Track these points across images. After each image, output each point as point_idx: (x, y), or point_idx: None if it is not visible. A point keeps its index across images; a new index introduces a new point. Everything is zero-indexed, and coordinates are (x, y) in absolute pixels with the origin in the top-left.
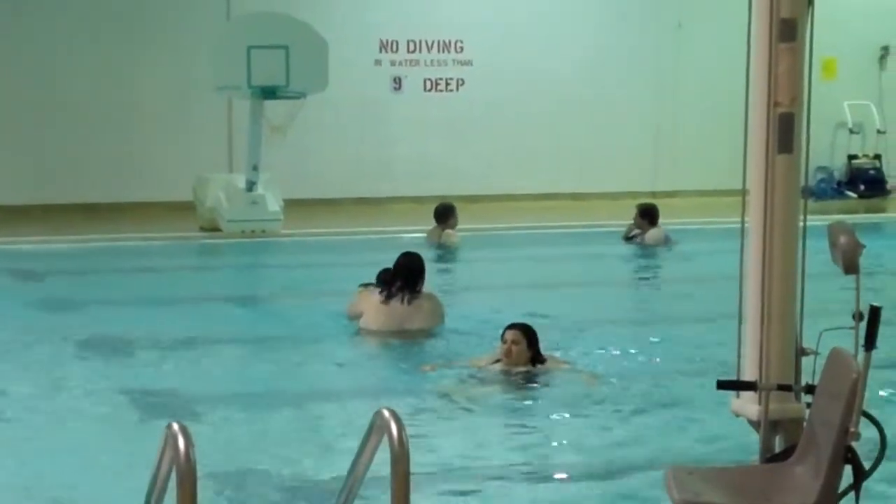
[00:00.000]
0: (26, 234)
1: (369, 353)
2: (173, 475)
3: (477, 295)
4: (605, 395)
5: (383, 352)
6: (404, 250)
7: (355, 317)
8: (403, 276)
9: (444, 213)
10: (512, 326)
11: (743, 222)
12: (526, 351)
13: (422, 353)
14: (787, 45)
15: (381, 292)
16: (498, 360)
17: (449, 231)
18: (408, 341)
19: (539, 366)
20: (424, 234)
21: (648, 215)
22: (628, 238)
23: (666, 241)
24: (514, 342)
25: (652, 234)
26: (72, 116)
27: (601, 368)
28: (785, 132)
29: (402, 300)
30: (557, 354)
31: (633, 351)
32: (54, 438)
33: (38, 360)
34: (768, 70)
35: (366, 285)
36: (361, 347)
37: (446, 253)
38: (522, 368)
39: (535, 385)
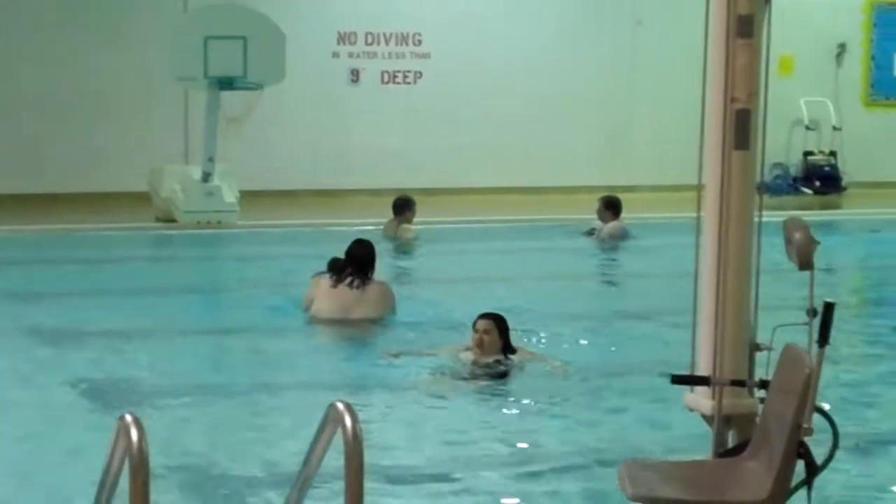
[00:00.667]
0: None
1: (324, 343)
2: (126, 467)
3: (431, 288)
4: (559, 389)
5: (338, 341)
6: (356, 237)
7: (309, 306)
8: (354, 263)
9: (401, 206)
10: (483, 316)
11: (699, 217)
12: (497, 340)
13: (375, 343)
14: (744, 42)
15: (331, 278)
16: (468, 349)
17: (405, 225)
18: (360, 330)
19: (510, 356)
20: (381, 227)
21: (612, 207)
22: (589, 232)
23: (623, 236)
24: (485, 332)
25: (609, 228)
26: (27, 106)
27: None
28: (741, 128)
29: (352, 286)
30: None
31: (587, 345)
32: (5, 429)
33: None
34: (725, 66)
35: (319, 274)
36: (315, 337)
37: (402, 246)
38: (491, 359)
39: (492, 377)
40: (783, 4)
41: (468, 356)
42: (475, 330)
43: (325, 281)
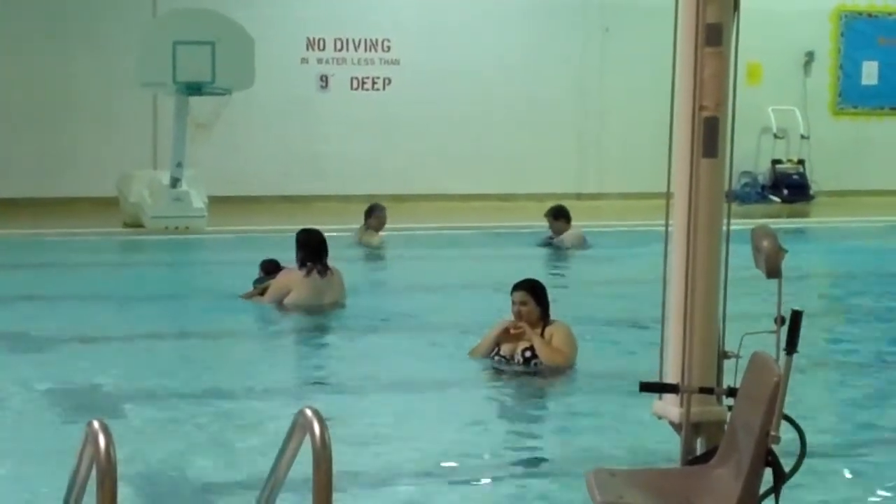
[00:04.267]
0: None
1: (291, 346)
2: (93, 474)
3: (395, 294)
4: (527, 396)
5: (306, 341)
6: (302, 228)
7: (281, 298)
8: (312, 251)
9: (368, 213)
10: (517, 287)
11: (667, 225)
12: (535, 309)
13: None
14: (712, 50)
15: (300, 269)
16: (507, 330)
17: (371, 231)
18: (328, 318)
19: (536, 360)
20: (349, 233)
21: (563, 215)
22: (548, 241)
23: (584, 243)
24: (522, 303)
25: (570, 236)
26: None
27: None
28: (710, 136)
29: (322, 274)
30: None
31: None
32: None
33: None
34: (694, 74)
35: (259, 280)
36: (284, 338)
37: (368, 252)
38: (519, 350)
39: (473, 380)
40: (751, 13)
41: (510, 348)
42: (513, 303)
43: (296, 272)
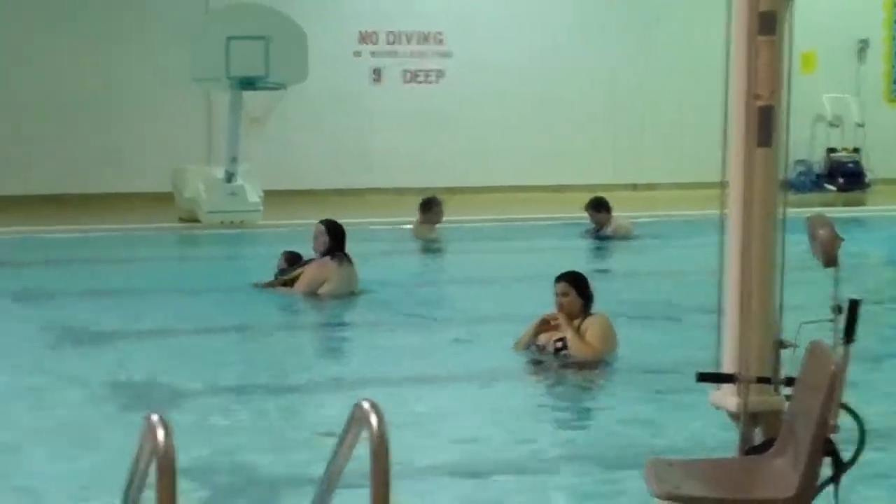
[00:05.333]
0: (4, 224)
1: (351, 338)
2: (152, 468)
3: (452, 287)
4: (579, 387)
5: (360, 332)
6: (322, 219)
7: (317, 287)
8: (339, 241)
9: (426, 207)
10: (559, 278)
11: (722, 215)
12: (577, 300)
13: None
14: (766, 38)
15: (332, 259)
16: (546, 324)
17: (430, 224)
18: (373, 309)
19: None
20: (401, 226)
21: (604, 207)
22: (594, 233)
23: (631, 233)
24: (563, 294)
25: (616, 226)
26: (53, 107)
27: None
28: (764, 125)
29: (350, 263)
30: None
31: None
32: (31, 430)
33: (14, 351)
34: (748, 63)
35: (283, 272)
36: (340, 331)
37: (422, 245)
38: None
39: (524, 374)
40: (805, 1)
41: (546, 337)
42: (555, 294)
43: (329, 262)
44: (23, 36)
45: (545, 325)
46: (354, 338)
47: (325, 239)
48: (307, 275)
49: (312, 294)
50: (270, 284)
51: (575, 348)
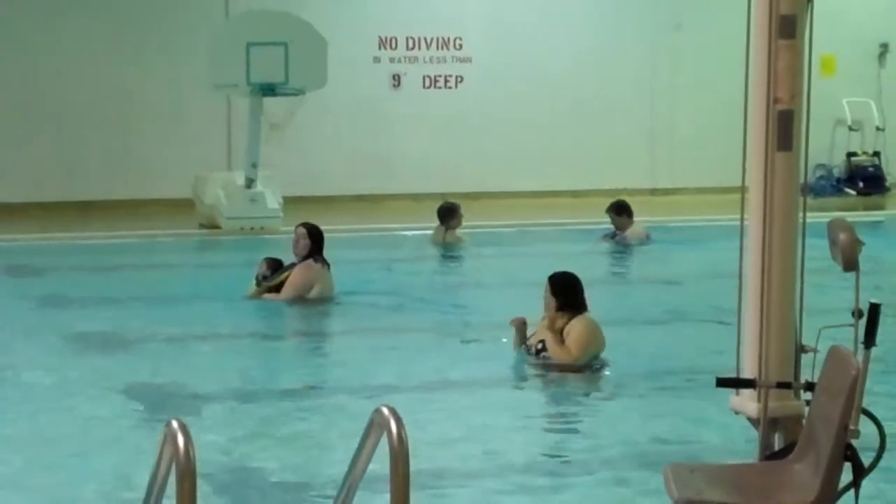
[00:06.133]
0: (25, 231)
1: (367, 343)
2: (173, 473)
3: (475, 292)
4: (605, 391)
5: (376, 337)
6: (301, 222)
7: (307, 291)
8: (321, 245)
9: (446, 214)
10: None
11: (742, 220)
12: (551, 299)
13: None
14: (786, 42)
15: (315, 262)
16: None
17: (451, 231)
18: (387, 314)
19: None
20: (421, 232)
21: (626, 211)
22: (610, 237)
23: (647, 238)
24: (545, 291)
25: (633, 232)
26: (72, 115)
27: (598, 366)
28: (784, 129)
29: (327, 266)
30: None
31: (630, 348)
32: (52, 435)
33: (36, 357)
34: (768, 67)
35: (266, 278)
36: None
37: (448, 252)
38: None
39: (541, 378)
40: (825, 4)
41: (534, 339)
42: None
43: (316, 266)
44: (44, 45)
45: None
46: (371, 343)
47: (306, 242)
48: (295, 279)
49: (300, 298)
50: (258, 293)
51: (553, 352)
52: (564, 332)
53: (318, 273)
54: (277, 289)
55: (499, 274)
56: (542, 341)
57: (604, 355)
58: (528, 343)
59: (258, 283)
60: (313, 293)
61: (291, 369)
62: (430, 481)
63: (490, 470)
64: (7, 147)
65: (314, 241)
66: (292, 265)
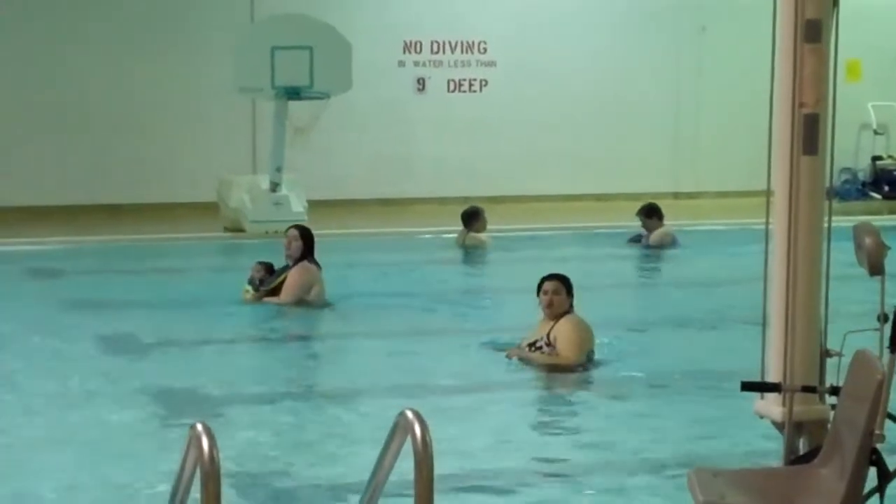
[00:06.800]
0: (51, 234)
1: (388, 346)
2: (197, 475)
3: (498, 296)
4: (628, 395)
5: (398, 341)
6: (292, 224)
7: (298, 297)
8: (312, 247)
9: (470, 217)
10: (549, 277)
11: (767, 224)
12: (566, 300)
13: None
14: (812, 46)
15: (310, 263)
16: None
17: (474, 234)
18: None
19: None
20: (445, 235)
21: (656, 213)
22: (637, 240)
23: (673, 242)
24: (554, 292)
25: (659, 235)
26: (97, 118)
27: (623, 370)
28: (810, 133)
29: (320, 269)
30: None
31: (654, 352)
32: (77, 437)
33: (61, 359)
34: (793, 71)
35: (262, 282)
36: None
37: (472, 255)
38: (570, 356)
39: (565, 381)
40: (850, 8)
41: (538, 357)
42: (544, 292)
43: (313, 268)
44: (69, 49)
45: None
46: (391, 346)
47: (298, 244)
48: (295, 281)
49: (300, 300)
50: (258, 297)
51: (549, 361)
52: (552, 333)
53: (315, 274)
54: (273, 292)
55: (521, 277)
56: (533, 343)
57: (632, 359)
58: (522, 346)
59: (255, 288)
60: (311, 295)
61: (313, 372)
62: (452, 484)
63: (513, 473)
64: (34, 151)
65: (306, 244)
66: (285, 268)
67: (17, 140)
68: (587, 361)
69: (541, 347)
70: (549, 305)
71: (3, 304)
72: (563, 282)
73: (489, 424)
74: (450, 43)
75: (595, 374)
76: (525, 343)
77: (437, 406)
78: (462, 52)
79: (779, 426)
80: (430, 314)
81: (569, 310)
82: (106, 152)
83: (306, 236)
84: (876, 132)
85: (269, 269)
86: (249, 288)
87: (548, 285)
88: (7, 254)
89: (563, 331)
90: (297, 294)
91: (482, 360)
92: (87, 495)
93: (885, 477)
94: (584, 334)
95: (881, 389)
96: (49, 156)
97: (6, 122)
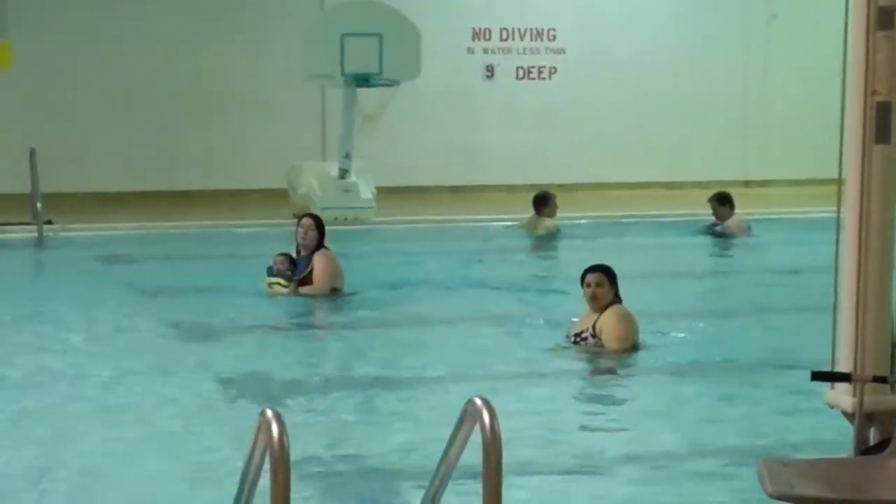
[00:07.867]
0: (123, 220)
1: (454, 333)
2: (267, 461)
3: (566, 283)
4: (695, 384)
5: (463, 327)
6: (306, 213)
7: (333, 284)
8: (323, 235)
9: (541, 202)
10: (592, 269)
11: (839, 212)
12: (609, 291)
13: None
14: (885, 34)
15: (329, 251)
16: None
17: (544, 220)
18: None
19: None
20: (514, 222)
21: (728, 201)
22: (711, 228)
23: (748, 230)
24: (597, 284)
25: (735, 223)
26: (168, 105)
27: (691, 359)
28: (882, 121)
29: None
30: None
31: (725, 341)
32: (147, 424)
33: (133, 344)
34: (866, 59)
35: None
36: (440, 327)
37: (540, 241)
38: (616, 348)
39: (623, 369)
40: None
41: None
42: (587, 285)
43: (335, 256)
44: (140, 38)
45: None
46: (458, 333)
47: (315, 233)
48: (324, 269)
49: (333, 289)
50: (294, 289)
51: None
52: (598, 324)
53: (338, 262)
54: (301, 283)
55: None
56: (579, 334)
57: (705, 346)
58: (569, 336)
59: (288, 279)
60: (339, 282)
61: (384, 358)
62: (519, 469)
63: (579, 460)
64: (107, 138)
65: (321, 232)
66: (307, 257)
67: (89, 127)
68: (633, 352)
69: (586, 339)
70: (593, 298)
71: (75, 288)
72: (606, 273)
73: (555, 412)
74: (519, 30)
75: (665, 361)
76: (571, 333)
77: (501, 392)
78: (531, 39)
79: (849, 416)
80: (498, 301)
81: (614, 300)
82: (176, 139)
83: (320, 225)
84: None
85: (291, 260)
86: (271, 280)
87: (590, 277)
88: (79, 239)
89: (608, 323)
90: (331, 282)
91: (545, 347)
92: (152, 477)
93: None
94: (630, 326)
95: None
96: (120, 143)
97: (78, 109)
